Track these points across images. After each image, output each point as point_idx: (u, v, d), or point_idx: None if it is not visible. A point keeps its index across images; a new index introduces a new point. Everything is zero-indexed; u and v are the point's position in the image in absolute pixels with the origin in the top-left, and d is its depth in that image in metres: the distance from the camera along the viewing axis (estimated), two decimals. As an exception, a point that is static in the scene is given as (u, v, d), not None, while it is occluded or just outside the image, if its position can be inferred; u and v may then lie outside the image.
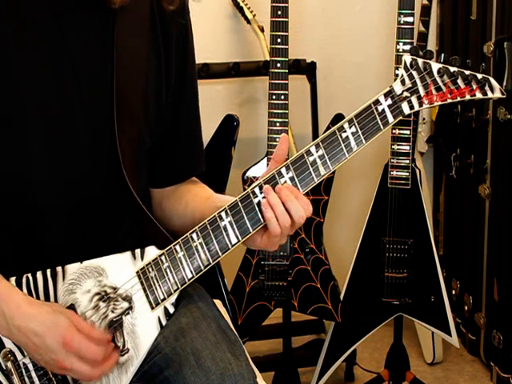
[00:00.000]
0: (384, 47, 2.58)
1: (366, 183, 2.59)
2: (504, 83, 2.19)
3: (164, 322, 1.25)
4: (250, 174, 2.14)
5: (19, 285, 1.23)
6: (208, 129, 1.75)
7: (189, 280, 1.23)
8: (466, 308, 2.61)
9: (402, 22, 2.02)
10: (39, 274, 1.24)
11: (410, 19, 2.02)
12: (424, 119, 2.59)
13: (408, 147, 2.10)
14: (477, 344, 2.57)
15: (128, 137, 1.26)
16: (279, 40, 2.05)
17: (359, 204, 2.69)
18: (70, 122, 1.23)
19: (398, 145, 2.10)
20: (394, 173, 2.12)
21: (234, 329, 1.36)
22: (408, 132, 2.09)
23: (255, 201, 1.19)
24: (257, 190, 1.20)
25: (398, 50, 2.02)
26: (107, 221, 1.30)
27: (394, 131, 2.09)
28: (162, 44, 1.31)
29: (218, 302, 1.74)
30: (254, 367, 1.49)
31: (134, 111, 1.28)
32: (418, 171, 2.13)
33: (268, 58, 2.27)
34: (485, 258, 2.49)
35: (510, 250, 2.31)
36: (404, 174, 2.11)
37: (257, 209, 1.19)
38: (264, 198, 1.19)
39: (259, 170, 2.14)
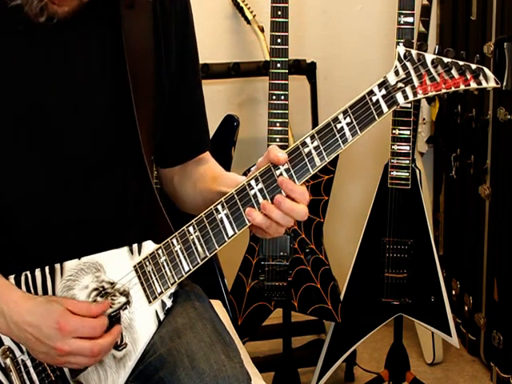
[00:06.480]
0: (384, 47, 2.58)
1: (366, 183, 2.59)
2: (504, 83, 2.19)
3: (162, 317, 1.25)
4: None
5: (18, 282, 1.24)
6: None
7: (186, 273, 1.22)
8: (466, 308, 2.61)
9: (402, 22, 2.02)
10: (38, 272, 1.24)
11: (410, 19, 2.02)
12: (424, 119, 2.59)
13: (408, 147, 2.10)
14: (477, 344, 2.56)
15: (145, 119, 1.27)
16: (279, 40, 2.05)
17: (359, 204, 2.69)
18: (88, 116, 1.25)
19: (398, 145, 2.10)
20: (394, 173, 2.12)
21: (230, 330, 1.36)
22: (408, 132, 2.09)
23: (251, 193, 1.19)
24: (253, 182, 1.20)
25: (398, 51, 2.03)
26: (114, 208, 1.31)
27: (394, 131, 2.09)
28: (162, 33, 1.31)
29: (217, 303, 1.74)
30: (254, 368, 1.50)
31: (147, 97, 1.29)
32: (418, 171, 2.13)
33: (268, 59, 2.27)
34: (485, 258, 2.49)
35: (510, 250, 2.31)
36: (404, 174, 2.11)
37: (253, 200, 1.19)
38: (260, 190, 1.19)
39: (259, 170, 2.14)
